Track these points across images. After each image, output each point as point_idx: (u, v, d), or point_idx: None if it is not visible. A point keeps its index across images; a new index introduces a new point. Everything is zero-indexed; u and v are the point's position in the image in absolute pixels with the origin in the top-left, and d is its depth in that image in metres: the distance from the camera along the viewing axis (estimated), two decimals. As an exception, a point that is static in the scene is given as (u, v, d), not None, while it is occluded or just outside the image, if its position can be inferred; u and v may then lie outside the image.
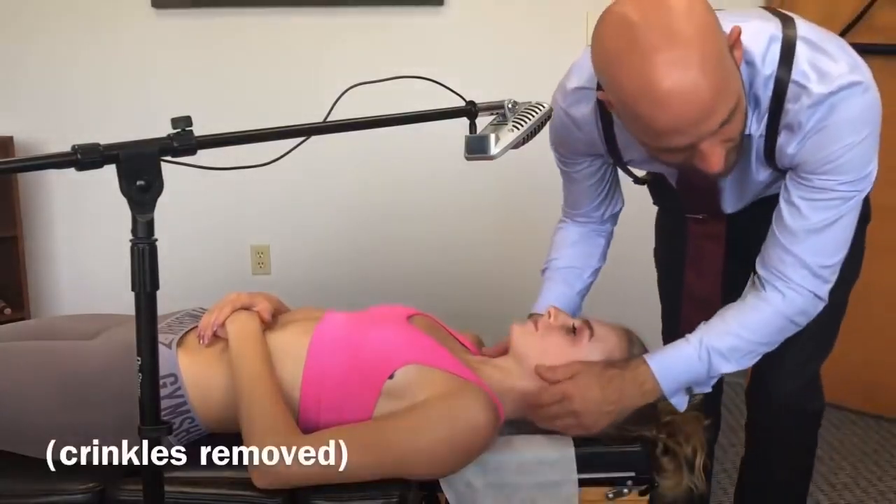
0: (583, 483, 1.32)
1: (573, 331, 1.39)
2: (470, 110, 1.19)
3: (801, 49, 1.20)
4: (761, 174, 1.34)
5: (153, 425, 0.94)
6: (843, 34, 2.53)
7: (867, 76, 1.20)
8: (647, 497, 1.38)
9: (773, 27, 1.23)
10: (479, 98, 1.20)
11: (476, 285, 3.06)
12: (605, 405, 1.32)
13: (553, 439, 1.36)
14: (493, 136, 1.15)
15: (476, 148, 1.16)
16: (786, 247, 1.29)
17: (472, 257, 3.07)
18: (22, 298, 2.89)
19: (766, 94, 1.22)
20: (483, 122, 1.20)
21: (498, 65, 2.91)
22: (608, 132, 1.39)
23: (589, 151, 1.47)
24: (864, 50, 2.37)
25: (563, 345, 1.38)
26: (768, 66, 1.21)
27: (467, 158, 1.18)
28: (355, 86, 1.19)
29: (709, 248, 1.44)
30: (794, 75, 1.19)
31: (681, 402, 1.37)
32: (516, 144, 1.18)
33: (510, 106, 1.20)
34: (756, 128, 1.25)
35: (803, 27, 1.23)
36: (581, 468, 1.31)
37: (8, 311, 2.85)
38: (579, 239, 1.61)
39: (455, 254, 3.07)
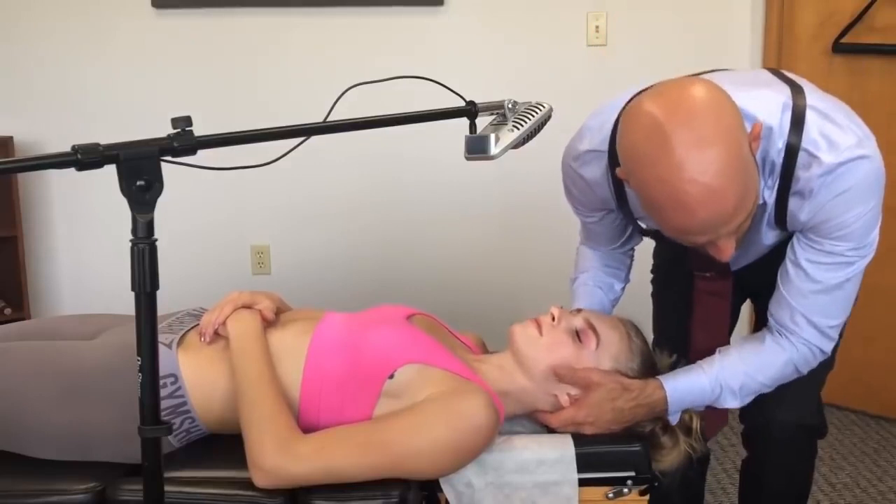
0: (583, 483, 1.32)
1: (577, 335, 1.39)
2: (470, 110, 1.19)
3: (810, 117, 1.23)
4: (770, 237, 1.37)
5: (153, 425, 0.94)
6: (842, 34, 2.53)
7: (873, 147, 1.23)
8: (646, 497, 1.38)
9: (784, 96, 1.25)
10: (479, 98, 1.21)
11: (477, 286, 3.06)
12: (615, 425, 1.38)
13: (553, 439, 1.36)
14: (493, 136, 1.15)
15: (476, 148, 1.16)
16: (794, 306, 1.33)
17: (473, 257, 3.07)
18: (22, 298, 2.88)
19: (779, 162, 1.24)
20: (483, 122, 1.21)
21: (498, 65, 2.90)
22: (619, 192, 1.40)
23: (603, 207, 1.49)
24: (863, 50, 2.37)
25: (569, 357, 1.37)
26: (781, 135, 1.23)
27: (467, 158, 1.18)
28: (355, 86, 1.19)
29: (715, 304, 1.47)
30: (805, 143, 1.22)
31: (675, 417, 1.42)
32: (516, 144, 1.18)
33: (510, 106, 1.20)
34: (769, 195, 1.28)
35: (812, 95, 1.26)
36: (581, 468, 1.32)
37: (8, 311, 2.85)
38: (604, 257, 1.64)
39: (455, 253, 3.07)
